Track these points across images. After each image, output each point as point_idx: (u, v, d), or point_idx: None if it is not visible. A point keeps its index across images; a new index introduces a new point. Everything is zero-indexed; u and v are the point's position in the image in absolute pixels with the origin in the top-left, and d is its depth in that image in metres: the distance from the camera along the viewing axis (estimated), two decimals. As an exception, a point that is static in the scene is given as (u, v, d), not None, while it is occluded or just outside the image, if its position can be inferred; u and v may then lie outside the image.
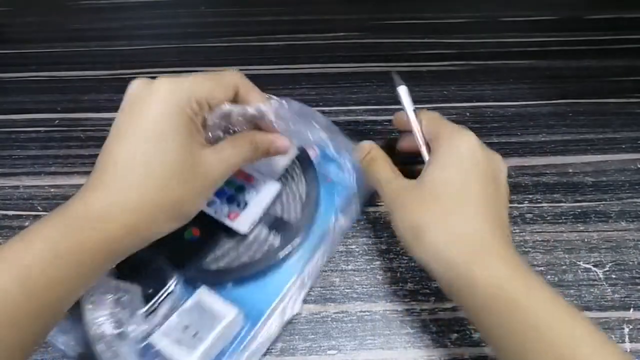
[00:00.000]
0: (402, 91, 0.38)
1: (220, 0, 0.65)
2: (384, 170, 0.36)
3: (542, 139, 0.47)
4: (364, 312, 0.36)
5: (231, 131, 0.34)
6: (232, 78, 0.33)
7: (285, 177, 0.41)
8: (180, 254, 0.36)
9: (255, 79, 0.52)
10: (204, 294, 0.33)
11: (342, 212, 0.40)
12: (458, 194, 0.31)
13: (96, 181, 0.28)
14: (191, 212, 0.31)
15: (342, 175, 0.41)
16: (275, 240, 0.37)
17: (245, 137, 0.34)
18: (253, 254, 0.37)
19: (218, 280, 0.35)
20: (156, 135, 0.29)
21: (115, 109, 0.52)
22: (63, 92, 0.52)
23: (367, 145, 0.38)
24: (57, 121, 0.49)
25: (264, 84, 0.52)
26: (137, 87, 0.31)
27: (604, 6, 0.60)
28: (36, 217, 0.42)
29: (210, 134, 0.32)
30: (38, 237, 0.26)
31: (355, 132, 0.48)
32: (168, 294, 0.34)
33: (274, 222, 0.38)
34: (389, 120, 0.48)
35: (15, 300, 0.24)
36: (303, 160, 0.41)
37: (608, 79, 0.52)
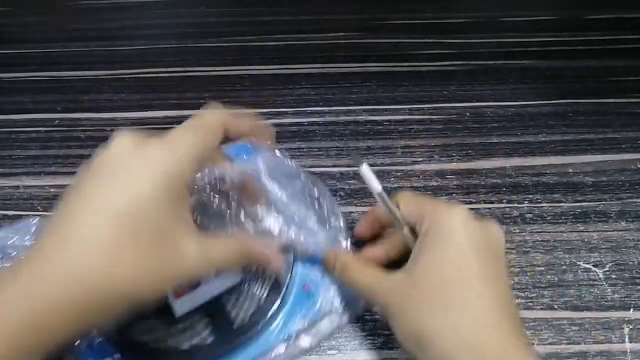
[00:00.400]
0: (366, 171, 0.34)
1: (220, 0, 0.65)
2: (363, 275, 0.32)
3: (542, 139, 0.47)
4: (364, 312, 0.36)
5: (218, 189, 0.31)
6: (217, 120, 0.29)
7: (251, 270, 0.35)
8: None
9: (255, 79, 0.52)
10: None
11: (308, 332, 0.34)
12: (457, 281, 0.28)
13: (45, 248, 0.24)
14: (147, 301, 0.26)
15: (322, 286, 0.35)
16: (208, 338, 0.32)
17: (239, 244, 0.30)
18: (181, 341, 0.32)
19: (135, 353, 0.32)
20: (137, 216, 0.24)
21: (115, 108, 0.53)
22: (63, 92, 0.52)
23: (332, 253, 0.34)
24: (57, 121, 0.49)
25: (264, 84, 0.52)
26: (124, 149, 0.26)
27: (604, 6, 0.60)
28: (36, 217, 0.42)
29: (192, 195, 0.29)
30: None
31: (355, 132, 0.48)
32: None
33: (216, 318, 0.33)
34: (389, 121, 0.49)
35: None
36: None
37: (608, 79, 0.52)
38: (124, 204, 0.25)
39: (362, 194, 0.43)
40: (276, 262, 0.32)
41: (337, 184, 0.44)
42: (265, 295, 0.34)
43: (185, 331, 0.33)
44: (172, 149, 0.26)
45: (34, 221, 0.38)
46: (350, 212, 0.42)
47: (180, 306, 0.32)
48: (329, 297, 0.35)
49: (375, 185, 0.33)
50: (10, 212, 0.42)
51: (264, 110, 0.49)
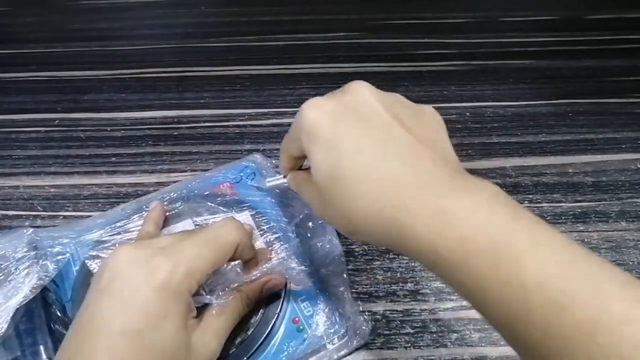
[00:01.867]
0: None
1: (220, 0, 0.65)
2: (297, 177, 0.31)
3: (542, 139, 0.47)
4: (364, 312, 0.36)
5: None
6: (234, 242, 0.30)
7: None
8: None
9: (255, 79, 0.52)
10: None
11: None
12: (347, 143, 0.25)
13: None
14: None
15: (313, 320, 0.34)
16: None
17: (236, 297, 0.31)
18: None
19: None
20: (147, 332, 0.25)
21: (115, 108, 0.52)
22: (63, 92, 0.52)
23: (282, 174, 0.33)
24: (57, 121, 0.49)
25: (264, 84, 0.52)
26: (128, 264, 0.27)
27: (604, 6, 0.60)
28: (36, 216, 0.42)
29: None
30: None
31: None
32: None
33: None
34: (389, 120, 0.49)
35: None
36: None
37: (608, 79, 0.52)
38: (136, 322, 0.25)
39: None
40: (272, 282, 0.33)
41: (337, 184, 0.44)
42: (255, 325, 0.33)
43: None
44: (178, 261, 0.27)
45: (28, 232, 0.36)
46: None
47: None
48: (320, 331, 0.34)
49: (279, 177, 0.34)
50: (10, 212, 0.42)
51: (264, 110, 0.50)
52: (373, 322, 0.35)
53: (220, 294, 0.30)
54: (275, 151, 0.46)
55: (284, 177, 0.33)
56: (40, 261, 0.34)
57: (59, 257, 0.35)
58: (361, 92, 0.26)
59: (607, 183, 0.44)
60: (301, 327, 0.34)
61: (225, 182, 0.41)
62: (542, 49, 0.56)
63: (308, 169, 0.29)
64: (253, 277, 0.32)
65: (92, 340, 0.25)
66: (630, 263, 0.39)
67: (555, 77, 0.53)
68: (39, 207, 0.42)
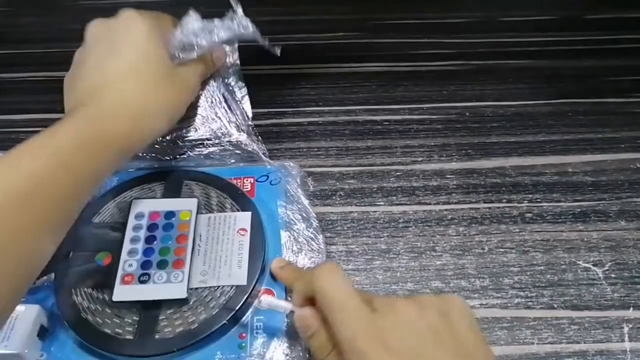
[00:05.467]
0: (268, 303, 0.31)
1: (220, 1, 0.65)
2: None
3: (542, 138, 0.47)
4: (364, 311, 0.36)
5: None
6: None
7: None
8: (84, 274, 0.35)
9: (255, 79, 0.52)
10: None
11: None
12: None
13: (86, 96, 0.33)
14: (179, 112, 0.37)
15: (260, 343, 0.33)
16: (127, 334, 0.33)
17: (207, 55, 0.40)
18: (106, 323, 0.34)
19: (71, 311, 0.34)
20: (142, 52, 0.34)
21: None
22: (63, 92, 0.52)
23: (310, 321, 0.28)
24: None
25: (264, 84, 0.52)
26: (125, 19, 0.36)
27: (604, 6, 0.60)
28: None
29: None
30: (62, 130, 0.29)
31: (355, 132, 0.48)
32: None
33: (144, 320, 0.33)
34: (389, 120, 0.49)
35: (57, 176, 0.28)
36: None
37: (608, 79, 0.52)
38: (132, 49, 0.34)
39: (362, 194, 0.43)
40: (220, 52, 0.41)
41: (337, 183, 0.44)
42: (199, 322, 0.33)
43: (113, 316, 0.34)
44: (159, 17, 0.37)
45: None
46: (350, 212, 0.42)
47: (119, 293, 0.33)
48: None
49: (286, 306, 0.31)
50: (10, 212, 0.42)
51: (264, 110, 0.50)
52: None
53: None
54: (275, 151, 0.46)
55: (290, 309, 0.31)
56: None
57: None
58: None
59: (606, 182, 0.44)
60: (243, 345, 0.33)
61: (250, 177, 0.42)
62: (541, 48, 0.56)
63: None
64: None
65: (106, 62, 0.35)
66: (630, 262, 0.39)
67: (555, 76, 0.53)
68: (39, 207, 0.42)
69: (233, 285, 0.34)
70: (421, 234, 0.41)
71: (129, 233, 0.36)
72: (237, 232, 0.37)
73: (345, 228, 0.41)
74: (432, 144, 0.47)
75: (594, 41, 0.57)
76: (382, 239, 0.40)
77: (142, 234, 0.37)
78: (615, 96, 0.51)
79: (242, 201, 0.39)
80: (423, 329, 0.25)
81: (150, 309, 0.34)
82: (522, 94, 0.51)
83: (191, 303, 0.34)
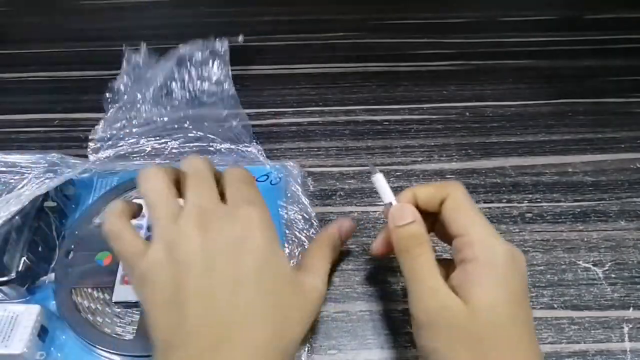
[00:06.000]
0: (379, 181, 0.32)
1: (220, 0, 0.65)
2: (429, 268, 0.28)
3: (542, 138, 0.47)
4: (364, 311, 0.36)
5: None
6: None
7: None
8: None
9: (255, 79, 0.52)
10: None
11: None
12: (514, 335, 0.26)
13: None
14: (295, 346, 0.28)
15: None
16: (128, 334, 0.34)
17: (322, 244, 0.34)
18: (107, 323, 0.34)
19: (71, 311, 0.34)
20: (267, 278, 0.27)
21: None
22: (63, 92, 0.52)
23: (411, 211, 0.30)
24: (57, 121, 0.49)
25: (264, 84, 0.52)
26: (223, 222, 0.27)
27: (604, 6, 0.60)
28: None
29: None
30: None
31: (355, 132, 0.48)
32: None
33: (145, 321, 0.33)
34: (389, 120, 0.49)
35: None
36: None
37: (608, 79, 0.52)
38: (252, 261, 0.27)
39: (362, 194, 0.43)
40: (345, 222, 0.36)
41: (337, 183, 0.44)
42: None
43: (113, 316, 0.34)
44: (264, 205, 0.29)
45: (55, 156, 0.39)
46: (350, 212, 0.42)
47: (119, 293, 0.34)
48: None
49: (389, 195, 0.31)
50: (10, 212, 0.42)
51: (264, 110, 0.50)
52: (372, 322, 0.35)
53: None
54: (275, 151, 0.46)
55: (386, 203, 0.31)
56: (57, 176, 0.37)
57: (83, 174, 0.39)
58: None
59: (606, 182, 0.44)
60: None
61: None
62: (541, 48, 0.56)
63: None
64: None
65: (225, 292, 0.26)
66: (630, 262, 0.39)
67: (554, 76, 0.53)
68: (39, 207, 0.42)
69: None
70: (421, 234, 0.41)
71: None
72: None
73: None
74: (432, 144, 0.47)
75: (594, 41, 0.57)
76: (382, 239, 0.40)
77: (142, 234, 0.37)
78: (615, 96, 0.51)
79: None
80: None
81: None
82: (522, 94, 0.51)
83: None
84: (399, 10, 0.61)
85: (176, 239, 0.26)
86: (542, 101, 0.50)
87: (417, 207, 0.30)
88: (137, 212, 0.31)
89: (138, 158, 0.43)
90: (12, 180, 0.37)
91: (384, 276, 0.38)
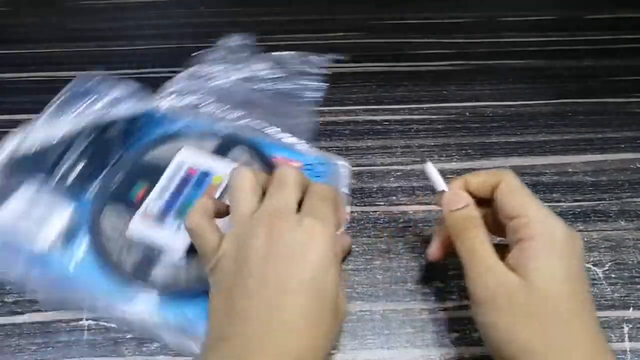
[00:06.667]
0: (430, 170, 0.33)
1: (220, 0, 0.65)
2: (485, 248, 0.29)
3: (542, 138, 0.47)
4: (364, 311, 0.36)
5: None
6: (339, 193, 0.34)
7: None
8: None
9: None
10: None
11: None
12: (572, 309, 0.27)
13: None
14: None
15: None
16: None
17: (339, 247, 0.34)
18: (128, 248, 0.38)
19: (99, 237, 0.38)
20: (315, 292, 0.27)
21: (115, 108, 0.51)
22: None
23: (464, 195, 0.32)
24: (57, 121, 0.49)
25: (264, 83, 0.52)
26: (289, 227, 0.28)
27: (604, 6, 0.60)
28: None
29: None
30: None
31: (355, 132, 0.48)
32: None
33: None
34: (389, 120, 0.49)
35: None
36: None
37: (608, 79, 0.52)
38: (310, 271, 0.27)
39: (362, 194, 0.43)
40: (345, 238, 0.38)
41: (337, 183, 0.44)
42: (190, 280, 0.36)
43: (123, 248, 0.37)
44: (328, 222, 0.29)
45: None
46: (351, 212, 0.42)
47: (133, 229, 0.38)
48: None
49: (441, 183, 0.33)
50: (10, 212, 0.42)
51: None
52: (372, 322, 0.35)
53: None
54: (275, 151, 0.46)
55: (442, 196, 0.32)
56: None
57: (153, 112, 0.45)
58: None
59: (606, 182, 0.44)
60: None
61: (296, 161, 0.43)
62: (541, 48, 0.56)
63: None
64: None
65: (273, 295, 0.27)
66: (630, 262, 0.39)
67: (554, 76, 0.53)
68: (39, 207, 0.42)
69: None
70: (421, 234, 0.41)
71: (164, 179, 0.40)
72: None
73: (346, 228, 0.41)
74: (432, 144, 0.47)
75: (594, 41, 0.57)
76: (382, 239, 0.40)
77: (175, 184, 0.40)
78: (615, 96, 0.51)
79: None
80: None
81: (150, 255, 0.37)
82: (522, 94, 0.51)
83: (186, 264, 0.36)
84: (399, 10, 0.61)
85: (246, 232, 0.28)
86: (542, 101, 0.50)
87: (469, 193, 0.32)
88: (223, 211, 0.33)
89: (202, 115, 0.46)
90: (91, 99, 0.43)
91: (384, 276, 0.38)
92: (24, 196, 0.38)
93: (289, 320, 0.26)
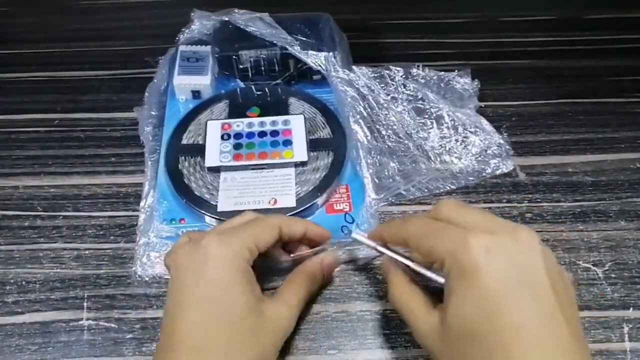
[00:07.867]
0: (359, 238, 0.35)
1: (219, 1, 0.65)
2: (408, 305, 0.30)
3: (542, 138, 0.47)
4: (364, 311, 0.36)
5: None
6: (273, 220, 0.33)
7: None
8: None
9: (255, 78, 0.51)
10: None
11: None
12: (488, 334, 0.25)
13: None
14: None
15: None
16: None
17: (301, 274, 0.35)
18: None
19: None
20: (218, 300, 0.29)
21: (115, 108, 0.52)
22: (63, 92, 0.52)
23: (388, 264, 0.33)
24: (56, 121, 0.49)
25: (264, 83, 0.52)
26: (186, 256, 0.31)
27: (604, 6, 0.60)
28: (36, 217, 0.42)
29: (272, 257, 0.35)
30: None
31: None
32: None
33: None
34: (389, 120, 0.49)
35: None
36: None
37: (607, 79, 0.52)
38: (208, 292, 0.30)
39: (362, 193, 0.43)
40: (328, 259, 0.37)
41: (337, 183, 0.44)
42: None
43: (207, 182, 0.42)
44: (225, 239, 0.31)
45: None
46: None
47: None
48: None
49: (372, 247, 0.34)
50: (10, 212, 0.42)
51: (264, 110, 0.49)
52: (372, 322, 0.35)
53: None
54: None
55: (377, 251, 0.34)
56: None
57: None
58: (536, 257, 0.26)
59: (606, 182, 0.44)
60: None
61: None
62: (541, 48, 0.56)
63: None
64: (292, 257, 0.36)
65: (170, 314, 0.30)
66: (630, 262, 0.39)
67: (554, 77, 0.53)
68: (38, 207, 0.42)
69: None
70: (421, 234, 0.40)
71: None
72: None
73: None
74: (432, 144, 0.47)
75: (594, 41, 0.57)
76: (382, 239, 0.40)
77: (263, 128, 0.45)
78: (615, 96, 0.51)
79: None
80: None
81: None
82: (522, 94, 0.51)
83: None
84: (399, 10, 0.61)
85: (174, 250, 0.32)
86: (542, 101, 0.50)
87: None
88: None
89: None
90: None
91: (384, 276, 0.38)
92: None
93: (200, 337, 0.29)
